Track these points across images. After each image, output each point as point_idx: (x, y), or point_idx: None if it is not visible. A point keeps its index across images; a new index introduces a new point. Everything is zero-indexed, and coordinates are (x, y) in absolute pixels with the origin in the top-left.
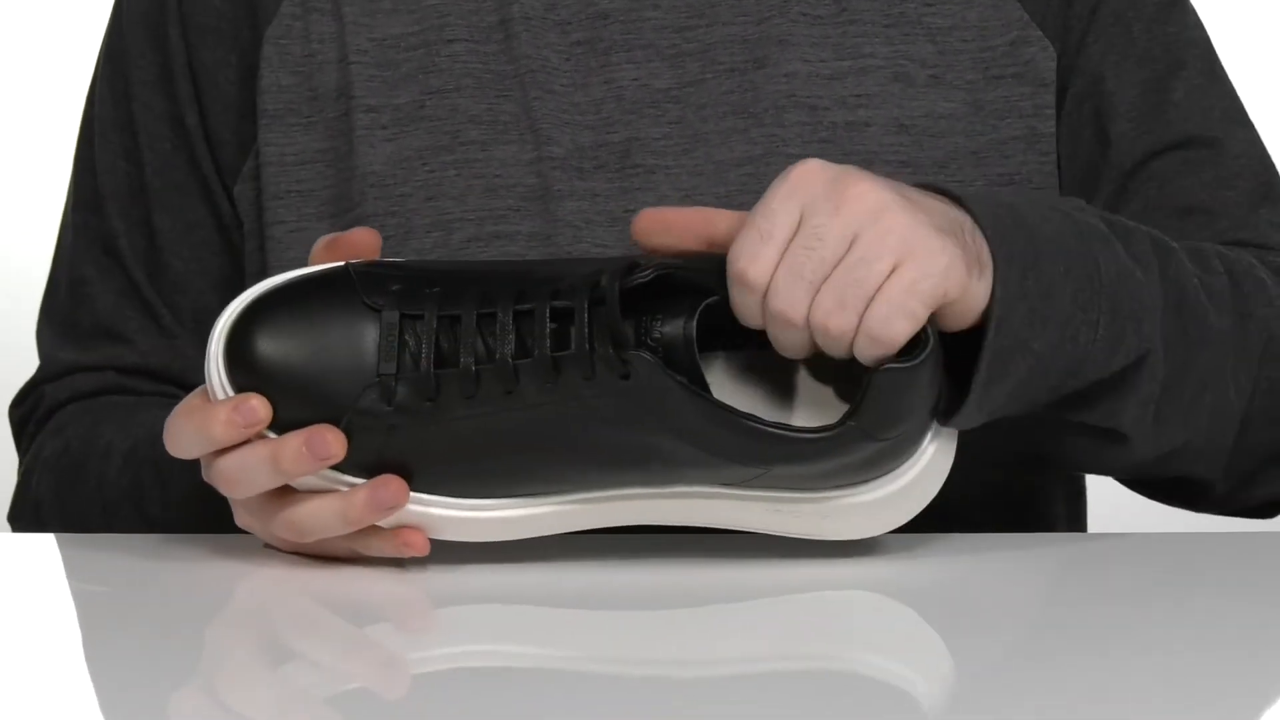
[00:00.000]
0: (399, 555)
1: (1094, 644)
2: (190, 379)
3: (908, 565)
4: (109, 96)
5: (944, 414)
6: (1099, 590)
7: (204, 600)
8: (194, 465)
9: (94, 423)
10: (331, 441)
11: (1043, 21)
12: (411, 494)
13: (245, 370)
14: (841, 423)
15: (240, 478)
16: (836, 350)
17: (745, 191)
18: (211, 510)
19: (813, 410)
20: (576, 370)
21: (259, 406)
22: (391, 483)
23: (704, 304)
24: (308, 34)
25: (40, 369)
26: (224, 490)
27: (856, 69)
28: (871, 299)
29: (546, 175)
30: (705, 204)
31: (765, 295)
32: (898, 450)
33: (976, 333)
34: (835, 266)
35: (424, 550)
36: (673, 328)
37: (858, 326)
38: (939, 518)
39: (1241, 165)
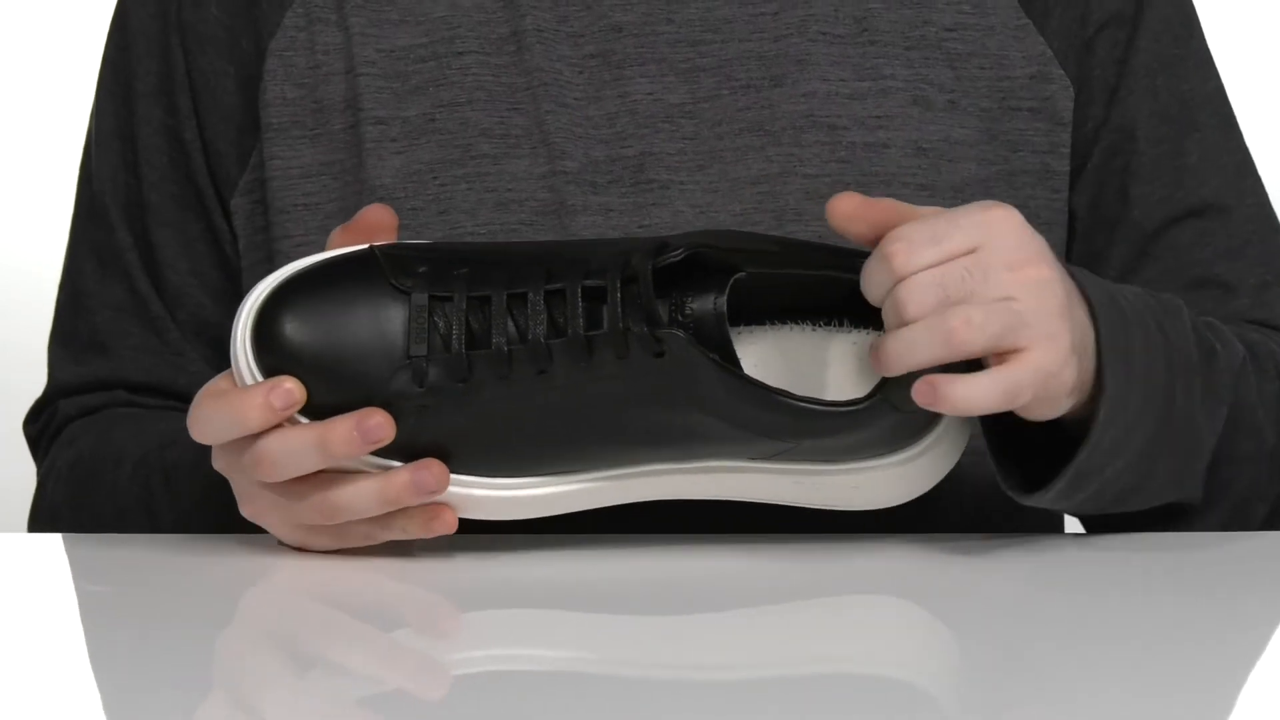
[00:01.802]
0: (426, 534)
1: (1106, 645)
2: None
3: (920, 567)
4: (109, 106)
5: (1012, 489)
6: (1106, 590)
7: (218, 601)
8: (204, 472)
9: (105, 431)
10: (383, 424)
11: (1064, 60)
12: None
13: (274, 353)
14: (871, 396)
15: (283, 460)
16: (925, 354)
17: (761, 210)
18: (221, 517)
19: (836, 381)
20: (610, 349)
21: (294, 389)
22: (434, 466)
23: (733, 279)
24: (312, 45)
25: (48, 385)
26: (258, 473)
27: (876, 90)
28: (1006, 356)
29: (560, 190)
30: (720, 221)
31: (899, 283)
32: (920, 421)
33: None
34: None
35: (453, 527)
36: (703, 304)
37: (979, 352)
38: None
39: (1250, 231)
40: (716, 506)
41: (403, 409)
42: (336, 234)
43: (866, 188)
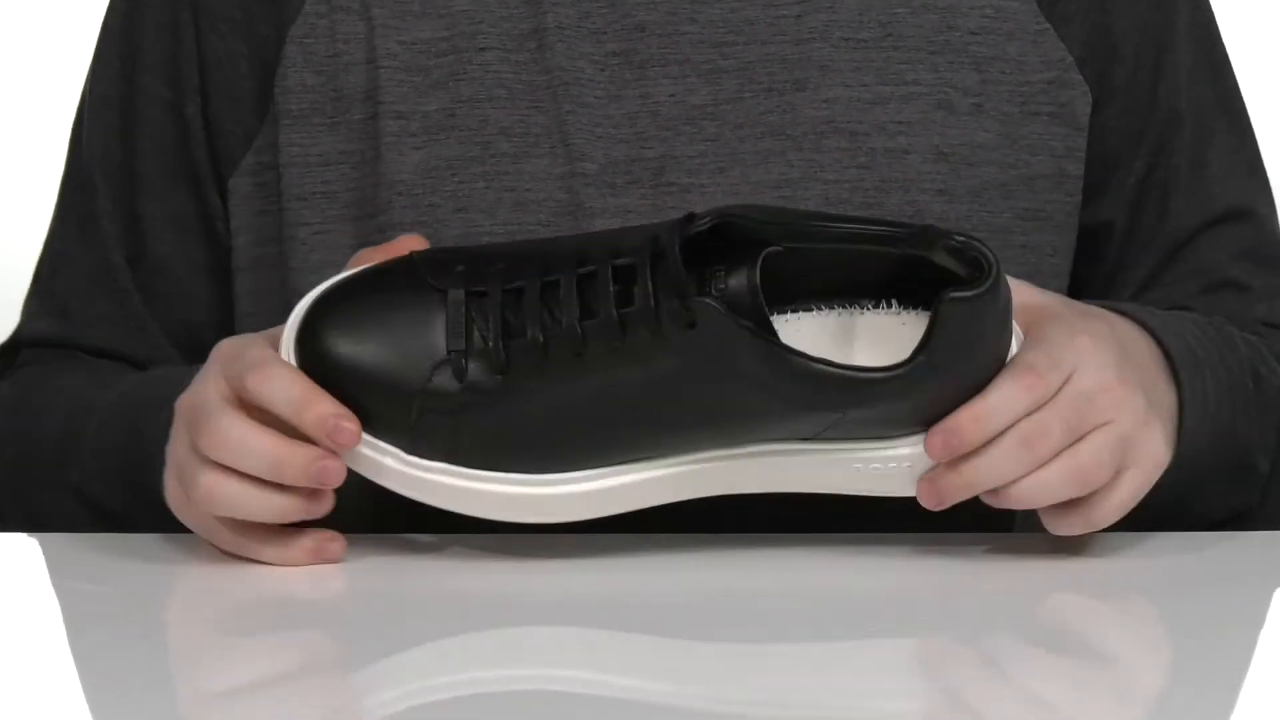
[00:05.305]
0: (313, 563)
1: (1103, 647)
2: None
3: (919, 569)
4: (107, 74)
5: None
6: (1105, 592)
7: (196, 601)
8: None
9: (57, 372)
10: (336, 473)
11: (1083, 66)
12: (492, 474)
13: (316, 361)
14: (912, 359)
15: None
16: (1061, 493)
17: None
18: (133, 477)
19: (880, 361)
20: (643, 325)
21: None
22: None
23: (765, 252)
24: (333, 33)
25: (15, 331)
26: (208, 449)
27: (899, 95)
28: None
29: (578, 191)
30: None
31: (1026, 418)
32: (971, 390)
33: None
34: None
35: (339, 555)
36: (736, 279)
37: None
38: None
39: (1265, 233)
40: (741, 508)
41: (442, 408)
42: (365, 252)
43: (886, 193)
